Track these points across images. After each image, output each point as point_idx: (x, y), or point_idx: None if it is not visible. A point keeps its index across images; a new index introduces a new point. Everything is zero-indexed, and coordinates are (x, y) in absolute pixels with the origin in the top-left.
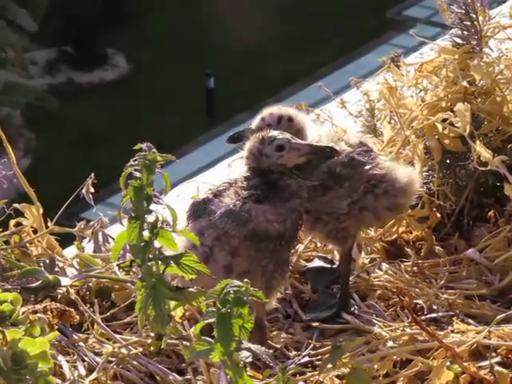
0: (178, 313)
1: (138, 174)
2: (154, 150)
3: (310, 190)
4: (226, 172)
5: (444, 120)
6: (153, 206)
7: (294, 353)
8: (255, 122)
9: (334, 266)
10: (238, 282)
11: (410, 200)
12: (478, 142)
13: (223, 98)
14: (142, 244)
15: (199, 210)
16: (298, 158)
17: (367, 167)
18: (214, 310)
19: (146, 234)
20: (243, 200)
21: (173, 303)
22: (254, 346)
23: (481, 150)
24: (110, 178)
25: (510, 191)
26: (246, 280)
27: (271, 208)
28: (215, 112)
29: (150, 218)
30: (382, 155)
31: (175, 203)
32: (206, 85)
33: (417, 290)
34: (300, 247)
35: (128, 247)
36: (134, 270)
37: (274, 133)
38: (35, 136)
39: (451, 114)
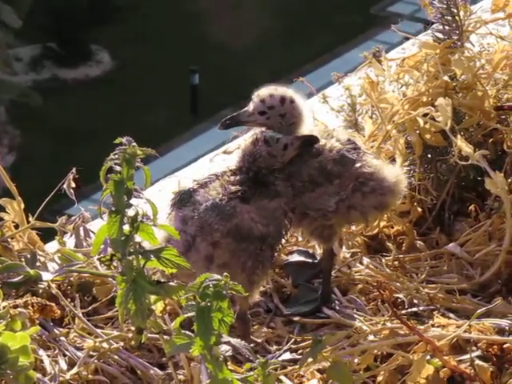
0: (158, 307)
1: (118, 168)
2: (134, 143)
3: (299, 186)
4: (207, 167)
5: (425, 115)
6: (133, 201)
7: (275, 347)
8: (254, 105)
9: (316, 261)
10: (217, 276)
11: (397, 199)
12: (459, 136)
13: (207, 94)
14: (123, 238)
15: (184, 198)
16: (293, 152)
17: (357, 165)
18: (194, 303)
19: (126, 228)
20: (229, 196)
21: (153, 297)
22: (233, 340)
23: (462, 144)
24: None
25: (490, 185)
26: (225, 274)
27: (256, 210)
28: (199, 108)
29: (131, 212)
30: (369, 153)
31: (157, 198)
32: (190, 81)
33: (398, 284)
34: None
35: (109, 241)
36: (114, 264)
37: (271, 133)
38: (20, 133)
39: (432, 108)
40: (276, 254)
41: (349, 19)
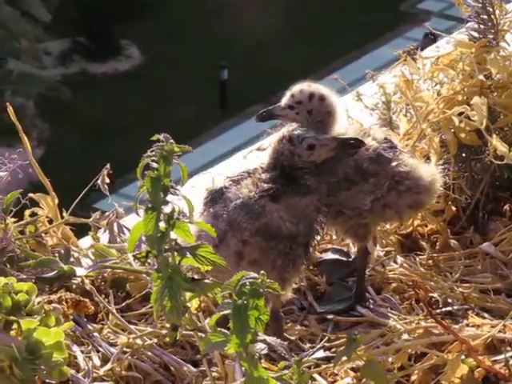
0: (193, 304)
1: (154, 165)
2: (172, 140)
3: (334, 184)
4: (241, 163)
5: (460, 114)
6: (169, 197)
7: (308, 345)
8: (284, 100)
9: (350, 260)
10: (254, 274)
11: (432, 198)
12: (494, 135)
13: (236, 89)
14: (159, 235)
15: (216, 197)
16: (327, 153)
17: (393, 164)
18: (230, 301)
19: (162, 224)
20: (260, 194)
21: (188, 294)
22: (269, 338)
23: (497, 143)
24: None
25: None
26: (262, 272)
27: (285, 208)
28: (228, 104)
29: (167, 209)
30: (405, 152)
31: (190, 194)
32: (219, 76)
33: (432, 283)
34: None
35: (143, 238)
36: (149, 260)
37: (300, 131)
38: (48, 126)
39: (467, 107)
40: (309, 251)
41: (378, 16)
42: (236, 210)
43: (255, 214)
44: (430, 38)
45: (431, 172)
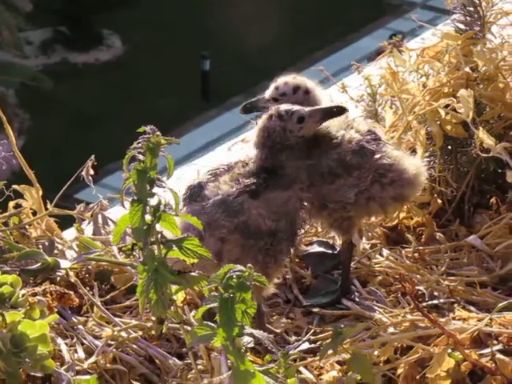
0: (179, 297)
1: (141, 157)
2: (158, 133)
3: (318, 177)
4: (225, 155)
5: (446, 106)
6: (154, 190)
7: (294, 338)
8: (269, 92)
9: (335, 252)
10: (240, 267)
11: (416, 191)
12: (480, 128)
13: (219, 80)
14: (145, 227)
15: (194, 193)
16: (315, 125)
17: (377, 156)
18: (217, 294)
19: (148, 217)
20: (238, 192)
21: (174, 287)
22: (256, 332)
23: (483, 136)
24: (105, 159)
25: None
26: (248, 265)
27: (266, 205)
28: (210, 94)
29: (153, 202)
30: (390, 144)
31: (176, 186)
32: (201, 67)
33: (418, 276)
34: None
35: (128, 230)
36: (134, 253)
37: (286, 106)
38: (30, 116)
39: (454, 99)
40: (292, 246)
41: (361, 7)
42: (214, 207)
43: (233, 212)
44: (397, 40)
45: (416, 165)
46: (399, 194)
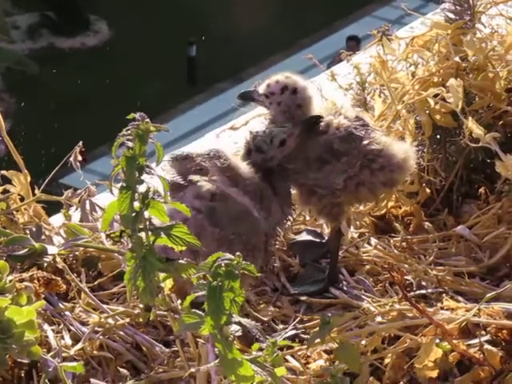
0: (167, 284)
1: (130, 144)
2: (148, 120)
3: (305, 164)
4: (213, 142)
5: (436, 95)
6: (143, 176)
7: (281, 326)
8: (262, 87)
9: (323, 241)
10: (229, 255)
11: (405, 176)
12: (469, 118)
13: (205, 66)
14: (133, 214)
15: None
16: (295, 141)
17: (365, 142)
18: (205, 282)
19: (136, 204)
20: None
21: (162, 275)
22: (244, 320)
23: (472, 126)
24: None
25: (501, 168)
26: (237, 253)
27: (241, 192)
28: (197, 80)
29: (142, 189)
30: (378, 130)
31: (162, 173)
32: (188, 52)
33: (406, 265)
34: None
35: (116, 217)
36: (123, 240)
37: (262, 134)
38: (15, 100)
39: (443, 89)
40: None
41: None
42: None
43: (205, 199)
44: (354, 42)
45: (404, 149)
46: (389, 178)
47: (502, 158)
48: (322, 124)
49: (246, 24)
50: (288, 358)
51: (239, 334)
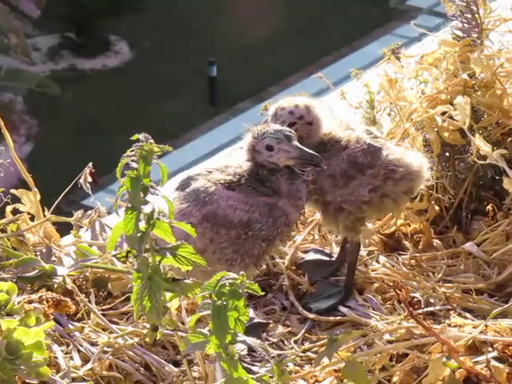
0: (173, 304)
1: (134, 165)
2: (151, 140)
3: (330, 181)
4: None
5: (444, 113)
6: (150, 197)
7: (290, 345)
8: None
9: (332, 259)
10: (233, 275)
11: (422, 183)
12: (477, 135)
13: (226, 86)
14: (139, 235)
15: (184, 185)
16: (288, 160)
17: (384, 153)
18: (210, 302)
19: (142, 224)
20: (214, 182)
21: (169, 294)
22: (249, 339)
23: (480, 143)
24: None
25: (509, 185)
26: (241, 272)
27: (238, 195)
28: (217, 100)
29: (147, 209)
30: (388, 141)
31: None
32: (208, 73)
33: (414, 283)
34: (298, 239)
35: (125, 238)
36: (130, 260)
37: (270, 129)
38: (37, 122)
39: (451, 106)
40: (264, 252)
41: (368, 12)
42: (187, 195)
43: (201, 202)
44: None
45: (417, 157)
46: (410, 187)
47: (509, 174)
48: (341, 141)
49: (267, 43)
50: (295, 377)
51: (245, 352)
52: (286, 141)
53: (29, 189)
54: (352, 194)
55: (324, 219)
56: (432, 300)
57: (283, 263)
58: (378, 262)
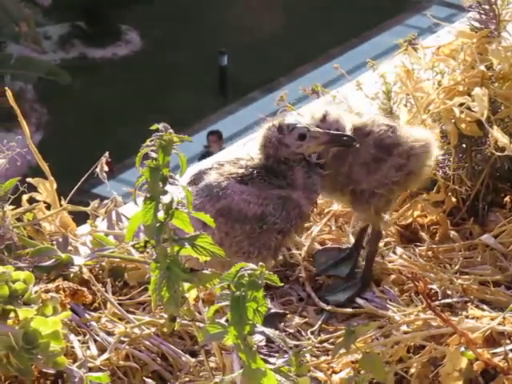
0: (192, 294)
1: (153, 155)
2: (171, 130)
3: (363, 169)
4: (240, 151)
5: (461, 104)
6: (168, 187)
7: (307, 336)
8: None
9: (344, 247)
10: (252, 265)
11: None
12: (495, 127)
13: (236, 75)
14: (157, 225)
15: (197, 179)
16: (317, 147)
17: (401, 131)
18: (229, 292)
19: (160, 214)
20: (226, 176)
21: (187, 285)
22: (268, 330)
23: (498, 134)
24: (122, 154)
25: None
26: (260, 263)
27: (252, 189)
28: (228, 90)
29: (166, 199)
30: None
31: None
32: (219, 62)
33: (431, 274)
34: (314, 230)
35: (141, 227)
36: (148, 250)
37: (291, 120)
38: (47, 111)
39: (468, 98)
40: (281, 244)
41: (379, 3)
42: (200, 190)
43: (215, 197)
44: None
45: (424, 133)
46: (428, 160)
47: None
48: (364, 127)
49: (277, 34)
50: (312, 368)
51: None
52: (312, 128)
53: (40, 177)
54: (386, 177)
55: (356, 208)
56: (449, 292)
57: (300, 254)
58: (394, 253)
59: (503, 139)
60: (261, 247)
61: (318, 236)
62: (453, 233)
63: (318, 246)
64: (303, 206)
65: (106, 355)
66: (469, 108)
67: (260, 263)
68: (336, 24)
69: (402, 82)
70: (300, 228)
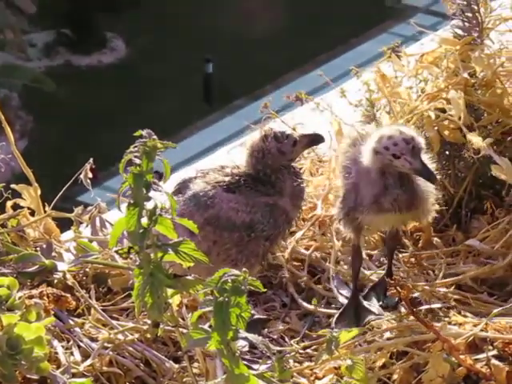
0: (175, 300)
1: (137, 161)
2: (155, 136)
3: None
4: (224, 159)
5: (439, 109)
6: (151, 193)
7: (290, 342)
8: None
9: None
10: (235, 271)
11: None
12: (470, 131)
13: (221, 83)
14: (141, 231)
15: (181, 188)
16: (302, 150)
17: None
18: (212, 298)
19: (144, 220)
20: (213, 185)
21: (170, 291)
22: (251, 336)
23: (472, 137)
24: (107, 162)
25: (496, 171)
26: (244, 269)
27: (239, 197)
28: (213, 97)
29: (149, 205)
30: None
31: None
32: (204, 70)
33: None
34: (298, 234)
35: (125, 233)
36: (131, 256)
37: (280, 128)
38: (32, 118)
39: (444, 101)
40: (268, 251)
41: (364, 11)
42: (187, 200)
43: (202, 206)
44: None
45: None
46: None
47: (498, 161)
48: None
49: (263, 41)
50: (295, 374)
51: (246, 349)
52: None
53: (24, 184)
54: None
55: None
56: (432, 298)
57: (283, 256)
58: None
59: (476, 140)
60: (249, 255)
61: (301, 240)
62: (436, 239)
63: (302, 250)
64: (290, 212)
65: (89, 361)
66: (444, 111)
67: (244, 269)
68: (323, 31)
69: (379, 87)
70: (287, 234)
